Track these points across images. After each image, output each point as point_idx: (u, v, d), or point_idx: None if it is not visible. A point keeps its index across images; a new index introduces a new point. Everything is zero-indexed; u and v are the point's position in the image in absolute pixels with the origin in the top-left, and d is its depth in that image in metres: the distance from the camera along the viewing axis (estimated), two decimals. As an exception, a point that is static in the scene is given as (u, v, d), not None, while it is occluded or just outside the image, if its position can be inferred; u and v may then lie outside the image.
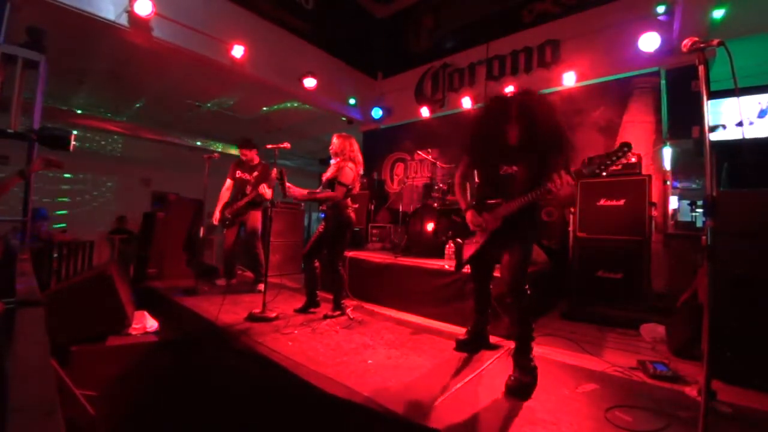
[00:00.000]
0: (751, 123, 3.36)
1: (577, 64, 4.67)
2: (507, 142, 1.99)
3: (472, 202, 2.21)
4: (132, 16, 3.90)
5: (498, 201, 2.00)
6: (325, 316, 3.09)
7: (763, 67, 3.80)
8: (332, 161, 3.22)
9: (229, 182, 4.09)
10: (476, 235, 2.16)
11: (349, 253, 3.95)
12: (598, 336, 2.85)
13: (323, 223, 3.19)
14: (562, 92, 4.91)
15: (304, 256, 3.29)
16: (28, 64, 3.16)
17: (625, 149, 1.69)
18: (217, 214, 4.00)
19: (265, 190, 3.66)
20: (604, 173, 1.72)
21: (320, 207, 3.20)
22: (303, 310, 3.24)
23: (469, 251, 2.20)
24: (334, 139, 3.22)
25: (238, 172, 4.07)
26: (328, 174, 3.16)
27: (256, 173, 4.00)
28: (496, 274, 2.32)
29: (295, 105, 6.41)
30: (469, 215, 2.13)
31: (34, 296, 1.31)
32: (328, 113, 6.74)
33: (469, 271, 2.40)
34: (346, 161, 3.13)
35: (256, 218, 4.09)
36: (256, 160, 4.12)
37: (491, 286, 2.44)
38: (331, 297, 3.27)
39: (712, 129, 3.36)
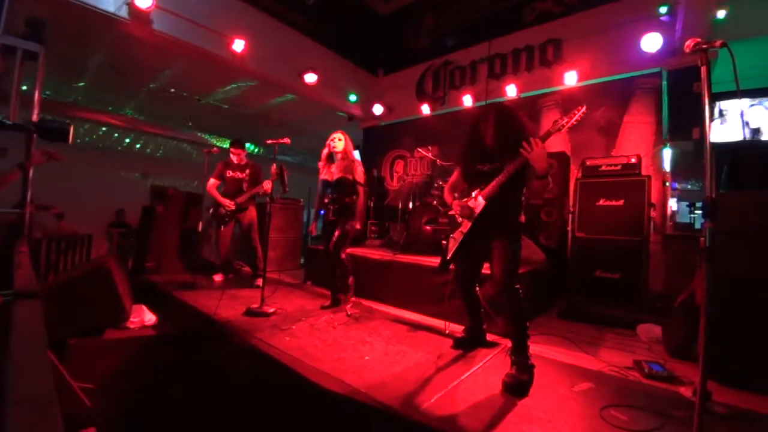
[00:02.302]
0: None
1: (579, 64, 4.65)
2: (487, 148, 2.14)
3: (458, 196, 2.32)
4: (132, 9, 3.87)
5: (481, 186, 2.12)
6: (323, 308, 3.13)
7: (765, 69, 3.80)
8: (332, 161, 3.22)
9: (213, 181, 4.09)
10: (462, 226, 2.21)
11: (349, 250, 3.95)
12: (595, 336, 2.86)
13: (330, 220, 3.17)
14: (563, 91, 4.90)
15: (331, 255, 3.24)
16: (28, 55, 3.14)
17: (582, 109, 1.94)
18: (228, 201, 3.97)
19: (266, 185, 3.73)
20: (564, 129, 1.96)
21: (327, 205, 3.18)
22: (327, 308, 3.21)
23: (454, 245, 2.23)
24: (340, 141, 3.18)
25: (228, 172, 4.09)
26: (336, 174, 3.14)
27: (248, 171, 4.08)
28: (485, 271, 2.33)
29: (295, 99, 6.38)
30: (455, 204, 2.25)
31: (32, 288, 1.31)
32: (329, 109, 6.71)
33: (453, 269, 2.40)
34: (352, 161, 3.17)
35: (252, 214, 4.15)
36: (245, 159, 4.18)
37: (478, 288, 2.43)
38: (328, 293, 3.29)
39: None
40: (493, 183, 2.04)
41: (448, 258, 2.28)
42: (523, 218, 2.13)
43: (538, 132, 1.99)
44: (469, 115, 5.54)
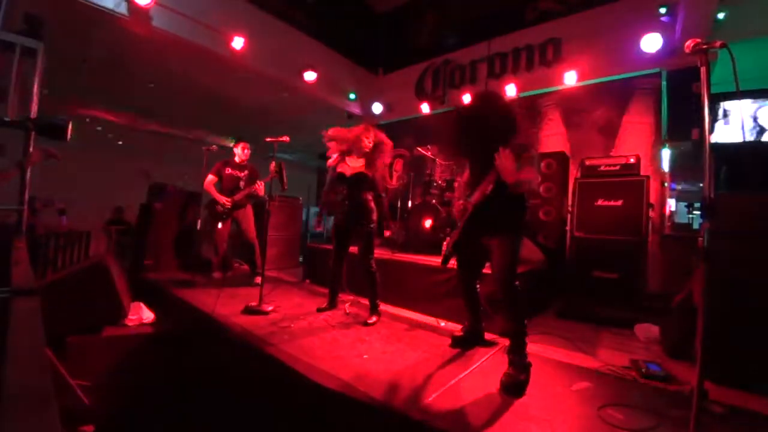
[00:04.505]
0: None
1: (579, 64, 4.65)
2: (480, 144, 2.05)
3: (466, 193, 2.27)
4: (131, 5, 3.86)
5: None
6: (319, 310, 3.11)
7: (766, 70, 3.80)
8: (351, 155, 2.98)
9: (211, 178, 4.03)
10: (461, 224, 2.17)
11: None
12: (592, 335, 2.87)
13: (341, 221, 3.00)
14: (563, 91, 4.91)
15: (334, 259, 3.11)
16: (26, 52, 3.12)
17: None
18: (224, 198, 3.93)
19: (259, 188, 3.78)
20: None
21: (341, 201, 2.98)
22: (323, 310, 3.13)
23: (451, 242, 2.21)
24: (369, 136, 2.92)
25: (227, 169, 4.07)
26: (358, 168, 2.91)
27: (246, 171, 4.09)
28: (486, 271, 2.33)
29: (294, 97, 6.36)
30: (456, 204, 2.24)
31: (30, 285, 1.31)
32: (328, 108, 6.70)
33: (456, 267, 2.39)
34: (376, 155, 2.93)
35: (250, 211, 4.14)
36: (247, 158, 4.18)
37: (479, 286, 2.43)
38: (326, 291, 3.28)
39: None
40: (476, 194, 2.04)
41: (447, 252, 2.24)
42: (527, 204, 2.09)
43: (529, 128, 1.95)
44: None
